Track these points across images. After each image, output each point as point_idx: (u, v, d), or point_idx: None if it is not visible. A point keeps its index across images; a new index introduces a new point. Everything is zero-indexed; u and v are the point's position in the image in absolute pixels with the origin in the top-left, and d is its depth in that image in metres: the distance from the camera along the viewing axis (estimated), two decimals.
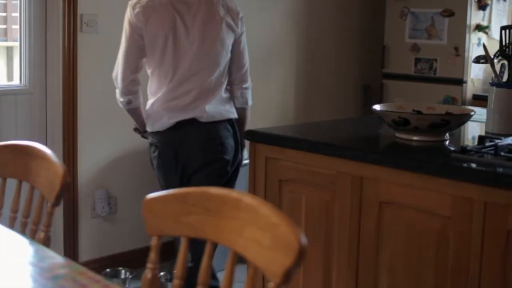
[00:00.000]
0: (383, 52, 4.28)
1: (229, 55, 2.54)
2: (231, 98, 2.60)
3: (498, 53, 2.34)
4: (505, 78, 2.32)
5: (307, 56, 4.28)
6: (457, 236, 1.74)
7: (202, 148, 2.48)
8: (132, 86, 2.48)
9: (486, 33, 4.03)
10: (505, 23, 4.31)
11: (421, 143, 2.07)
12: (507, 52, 2.31)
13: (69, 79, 3.20)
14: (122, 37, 2.52)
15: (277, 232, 1.22)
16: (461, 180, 1.72)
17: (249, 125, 2.62)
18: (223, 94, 2.54)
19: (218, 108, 2.50)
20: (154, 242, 1.43)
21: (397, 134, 2.12)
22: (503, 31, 2.32)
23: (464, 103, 3.94)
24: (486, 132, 2.30)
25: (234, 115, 2.56)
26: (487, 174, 1.68)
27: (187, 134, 2.48)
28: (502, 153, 1.77)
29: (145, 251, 1.51)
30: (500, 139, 1.91)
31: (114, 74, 2.54)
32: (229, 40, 2.54)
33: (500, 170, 1.68)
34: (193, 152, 2.47)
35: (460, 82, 3.97)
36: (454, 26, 3.97)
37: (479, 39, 4.00)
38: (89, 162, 3.33)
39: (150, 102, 2.55)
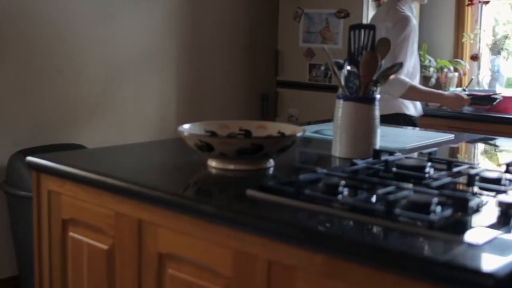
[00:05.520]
0: (276, 58, 3.84)
1: None
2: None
3: (347, 59, 1.91)
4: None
5: (191, 62, 3.83)
6: None
7: None
8: None
9: None
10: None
11: (235, 173, 1.62)
12: (356, 58, 1.89)
13: None
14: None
15: None
16: (244, 231, 1.28)
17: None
18: None
19: None
20: None
21: (209, 162, 1.68)
22: (352, 32, 1.90)
23: None
24: (333, 156, 1.88)
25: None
26: (270, 224, 1.24)
27: None
28: (306, 192, 1.33)
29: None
30: (315, 170, 1.47)
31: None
32: None
33: (288, 218, 1.24)
34: None
35: None
36: None
37: None
38: None
39: None
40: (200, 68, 3.87)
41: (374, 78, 1.83)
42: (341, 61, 1.91)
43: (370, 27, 1.89)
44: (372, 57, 1.83)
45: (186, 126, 1.72)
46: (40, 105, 3.26)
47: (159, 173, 1.71)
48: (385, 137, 2.29)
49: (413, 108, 3.33)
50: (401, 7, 3.20)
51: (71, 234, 1.70)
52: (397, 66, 1.86)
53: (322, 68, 2.00)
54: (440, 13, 4.19)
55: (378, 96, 1.86)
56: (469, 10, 4.40)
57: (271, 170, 1.66)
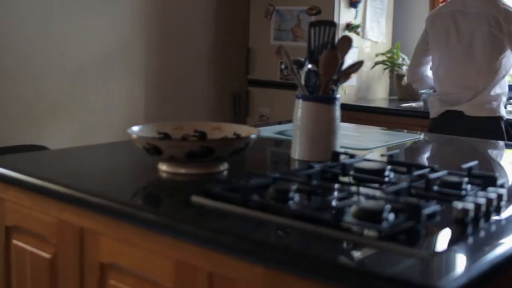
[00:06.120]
0: (247, 56, 3.77)
1: None
2: None
3: (307, 57, 1.84)
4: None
5: (160, 60, 3.74)
6: None
7: None
8: None
9: (358, 33, 3.56)
10: (384, 23, 3.86)
11: (186, 178, 1.55)
12: (316, 56, 1.82)
13: None
14: None
15: None
16: (184, 241, 1.20)
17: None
18: None
19: None
20: None
21: (160, 166, 1.60)
22: (312, 29, 1.82)
23: None
24: (291, 159, 1.81)
25: None
26: (209, 233, 1.16)
27: None
28: (254, 198, 1.26)
29: None
30: (265, 174, 1.40)
31: None
32: None
33: (227, 227, 1.16)
34: None
35: None
36: None
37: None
38: None
39: None
40: (169, 67, 3.79)
41: (334, 77, 1.76)
42: (301, 59, 1.84)
43: (331, 24, 1.82)
44: (332, 56, 1.76)
45: (136, 127, 1.64)
46: None
47: (107, 178, 1.62)
48: (358, 137, 2.23)
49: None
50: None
51: (14, 242, 1.62)
52: (358, 64, 1.79)
53: (282, 66, 1.94)
54: (413, 10, 4.12)
55: (338, 96, 1.79)
56: None
57: (224, 174, 1.59)
